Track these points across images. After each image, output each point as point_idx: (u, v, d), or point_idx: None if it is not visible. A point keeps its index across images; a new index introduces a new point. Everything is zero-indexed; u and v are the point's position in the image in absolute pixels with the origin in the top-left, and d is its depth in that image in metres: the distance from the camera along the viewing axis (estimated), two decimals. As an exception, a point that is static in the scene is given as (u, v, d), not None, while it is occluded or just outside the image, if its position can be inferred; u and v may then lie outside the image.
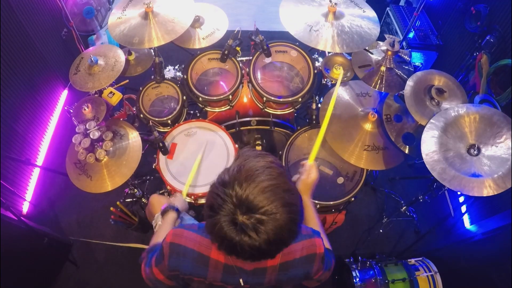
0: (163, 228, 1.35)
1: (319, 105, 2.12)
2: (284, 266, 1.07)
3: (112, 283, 2.52)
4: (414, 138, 1.94)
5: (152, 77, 2.31)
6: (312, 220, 1.32)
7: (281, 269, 1.07)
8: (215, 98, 2.19)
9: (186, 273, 1.07)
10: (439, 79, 1.93)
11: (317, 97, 2.33)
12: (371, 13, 2.10)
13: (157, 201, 1.48)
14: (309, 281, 1.22)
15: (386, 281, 2.15)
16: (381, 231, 2.74)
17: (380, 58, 2.10)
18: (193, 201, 2.02)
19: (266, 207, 0.84)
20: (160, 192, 2.63)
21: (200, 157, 1.90)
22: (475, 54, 2.55)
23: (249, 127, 2.31)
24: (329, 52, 2.27)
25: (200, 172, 1.97)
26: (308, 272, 1.12)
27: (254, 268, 1.06)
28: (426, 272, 2.20)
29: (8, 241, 1.93)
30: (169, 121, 2.21)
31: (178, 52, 2.45)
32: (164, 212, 1.40)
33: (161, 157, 2.06)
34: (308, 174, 1.35)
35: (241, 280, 1.07)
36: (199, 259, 1.05)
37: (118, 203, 2.31)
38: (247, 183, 0.86)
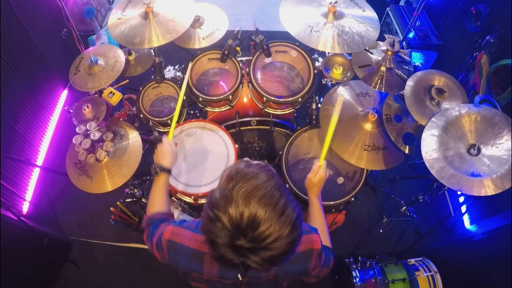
0: (157, 192, 1.35)
1: (319, 105, 2.12)
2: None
3: (112, 283, 2.52)
4: (414, 138, 1.94)
5: (152, 77, 2.31)
6: (317, 217, 1.35)
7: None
8: (215, 98, 2.18)
9: (183, 268, 1.12)
10: (439, 79, 1.93)
11: (317, 97, 2.32)
12: (371, 13, 2.10)
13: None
14: (307, 277, 1.23)
15: (386, 281, 2.16)
16: (381, 231, 2.74)
17: (380, 58, 2.10)
18: (193, 201, 2.02)
19: (263, 229, 0.80)
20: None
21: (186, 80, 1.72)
22: (475, 54, 2.55)
23: (249, 127, 2.31)
24: (329, 52, 2.27)
25: (199, 172, 1.97)
26: (306, 269, 1.13)
27: None
28: (426, 272, 2.20)
29: (8, 241, 1.94)
30: (169, 121, 2.21)
31: (178, 52, 2.45)
32: (154, 173, 1.40)
33: (161, 157, 2.05)
34: (315, 174, 1.39)
35: (239, 275, 1.08)
36: (194, 255, 1.08)
37: (118, 203, 2.31)
38: (240, 202, 0.82)
